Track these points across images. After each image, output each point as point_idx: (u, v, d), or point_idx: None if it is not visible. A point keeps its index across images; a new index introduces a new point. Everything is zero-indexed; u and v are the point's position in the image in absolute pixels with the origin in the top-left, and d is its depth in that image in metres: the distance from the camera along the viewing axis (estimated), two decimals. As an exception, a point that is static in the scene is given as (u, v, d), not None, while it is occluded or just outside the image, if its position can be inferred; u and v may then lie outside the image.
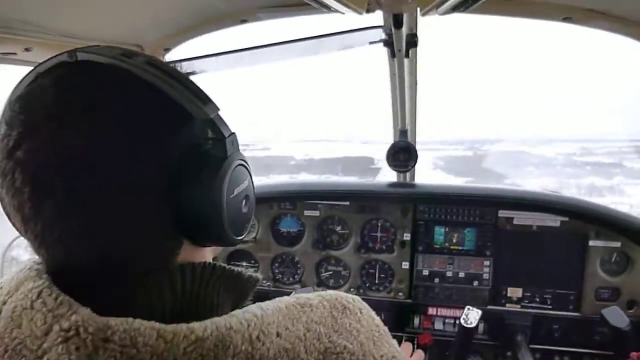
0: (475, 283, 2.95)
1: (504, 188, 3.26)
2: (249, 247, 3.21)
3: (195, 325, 0.75)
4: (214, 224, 0.83)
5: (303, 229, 3.16)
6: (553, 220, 2.84)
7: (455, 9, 1.59)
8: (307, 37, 2.24)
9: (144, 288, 0.79)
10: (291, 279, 3.21)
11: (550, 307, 2.91)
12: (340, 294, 0.97)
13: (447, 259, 2.99)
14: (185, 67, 2.35)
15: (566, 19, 1.89)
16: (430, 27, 2.19)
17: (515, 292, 2.95)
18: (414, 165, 2.95)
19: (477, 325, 2.49)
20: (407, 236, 3.02)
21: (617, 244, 2.78)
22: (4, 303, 0.79)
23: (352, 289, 3.11)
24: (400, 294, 3.06)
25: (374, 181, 3.34)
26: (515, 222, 2.90)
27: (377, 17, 2.12)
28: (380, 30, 2.26)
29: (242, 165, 0.89)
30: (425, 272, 3.01)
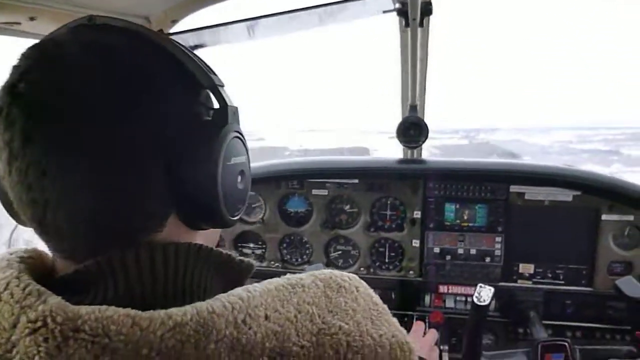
0: (487, 260, 2.92)
1: (516, 162, 3.23)
2: (256, 228, 3.17)
3: (174, 310, 0.71)
4: (207, 191, 0.80)
5: (311, 209, 3.12)
6: (565, 195, 2.81)
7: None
8: (318, 4, 2.18)
9: (123, 262, 0.74)
10: (300, 259, 3.18)
11: (562, 282, 2.89)
12: (335, 272, 0.92)
13: (458, 236, 2.96)
14: (192, 39, 2.30)
15: None
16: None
17: (527, 268, 2.92)
18: (425, 140, 2.90)
19: (490, 303, 2.46)
20: (417, 214, 2.98)
21: (630, 218, 2.75)
22: None
23: (362, 269, 3.08)
24: (411, 272, 3.03)
25: (383, 158, 3.29)
26: (526, 197, 2.86)
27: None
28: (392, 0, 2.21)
29: (241, 139, 0.88)
30: (436, 250, 2.98)
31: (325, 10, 2.20)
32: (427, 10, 2.16)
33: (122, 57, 0.77)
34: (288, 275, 0.87)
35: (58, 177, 0.71)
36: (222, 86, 0.86)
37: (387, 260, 3.09)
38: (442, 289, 2.99)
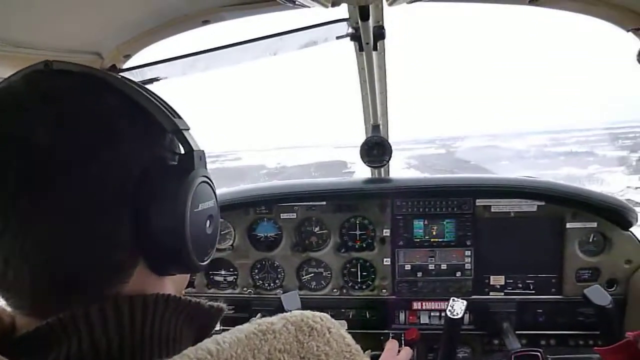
0: (458, 274, 2.95)
1: (480, 177, 3.27)
2: (226, 255, 3.14)
3: None
4: (175, 239, 0.78)
5: (281, 233, 3.11)
6: (529, 206, 2.85)
7: (423, -5, 1.57)
8: (272, 34, 2.20)
9: (87, 317, 0.72)
10: (272, 284, 3.15)
11: (533, 292, 2.92)
12: (306, 313, 0.90)
13: (428, 252, 2.97)
14: (147, 74, 2.28)
15: (532, 2, 1.89)
16: (399, 14, 2.19)
17: (498, 280, 2.95)
18: (389, 159, 2.93)
19: (463, 316, 2.48)
20: (386, 232, 3.00)
21: (594, 225, 2.80)
22: None
23: (334, 290, 3.07)
24: (384, 290, 3.03)
25: (350, 179, 3.31)
26: (493, 209, 2.90)
27: (342, 10, 2.10)
28: (346, 24, 2.24)
29: (208, 183, 0.87)
30: (407, 267, 2.99)
31: (279, 40, 2.22)
32: (380, 34, 2.19)
33: (79, 107, 0.75)
34: (259, 321, 0.85)
35: (18, 233, 0.69)
36: (187, 129, 0.84)
37: (359, 280, 3.08)
38: (416, 305, 3.00)
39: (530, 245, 2.91)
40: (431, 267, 2.97)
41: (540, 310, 2.90)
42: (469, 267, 2.94)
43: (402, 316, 3.02)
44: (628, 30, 1.92)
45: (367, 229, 3.05)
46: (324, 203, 3.03)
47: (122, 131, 0.76)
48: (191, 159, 0.82)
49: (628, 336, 1.87)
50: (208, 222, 0.86)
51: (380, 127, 2.92)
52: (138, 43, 2.18)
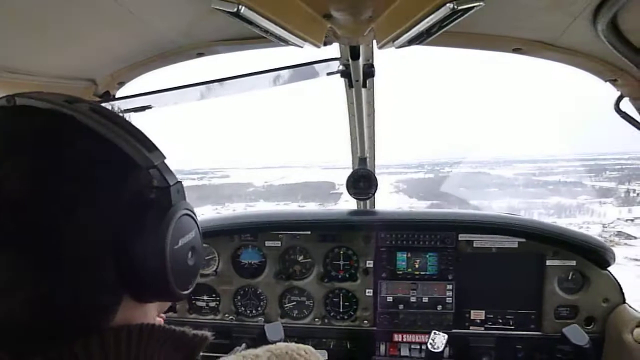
0: (439, 307, 2.97)
1: (463, 212, 3.32)
2: (210, 280, 3.14)
3: None
4: (157, 276, 0.79)
5: (265, 260, 3.13)
6: (511, 242, 2.90)
7: (411, 42, 1.62)
8: (265, 70, 2.24)
9: (72, 352, 0.72)
10: (254, 311, 3.15)
11: (512, 327, 2.95)
12: (291, 346, 0.92)
13: (410, 284, 3.00)
14: (140, 102, 2.31)
15: (516, 50, 1.96)
16: (389, 54, 2.24)
17: (478, 315, 2.98)
18: (374, 192, 2.97)
19: (444, 350, 2.50)
20: (369, 263, 3.02)
21: (573, 263, 2.86)
22: None
23: (316, 319, 3.08)
24: (365, 322, 3.04)
25: (335, 210, 3.34)
26: (475, 245, 2.94)
27: (334, 49, 2.15)
28: (337, 62, 2.30)
29: (188, 215, 0.87)
30: (389, 299, 3.01)
31: (272, 75, 2.26)
32: (369, 72, 2.25)
33: (49, 155, 0.73)
34: (243, 352, 0.86)
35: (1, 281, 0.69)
36: (164, 159, 0.84)
37: (341, 310, 3.10)
38: (397, 337, 3.01)
39: (511, 281, 2.95)
40: (413, 299, 2.99)
41: (519, 346, 2.92)
42: (450, 301, 2.96)
43: (382, 348, 3.03)
44: (606, 81, 2.00)
45: (350, 259, 3.07)
46: (309, 232, 3.05)
47: (95, 177, 0.75)
48: (168, 195, 0.81)
49: None
50: (190, 253, 0.87)
51: (367, 159, 2.97)
52: (132, 72, 2.22)
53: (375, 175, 2.99)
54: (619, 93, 2.02)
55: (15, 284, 0.69)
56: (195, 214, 0.89)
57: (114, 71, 2.18)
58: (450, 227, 2.97)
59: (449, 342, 2.57)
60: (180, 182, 0.85)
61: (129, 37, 1.93)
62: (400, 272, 3.01)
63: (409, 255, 3.01)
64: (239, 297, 3.16)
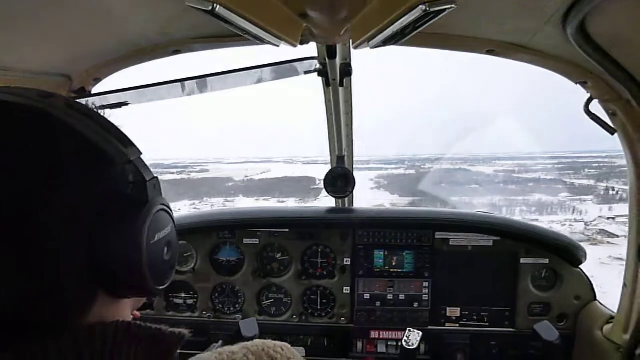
0: (416, 305, 3.01)
1: (440, 210, 3.36)
2: (187, 277, 3.13)
3: None
4: (133, 271, 0.78)
5: (243, 258, 3.12)
6: (486, 240, 2.95)
7: (386, 42, 1.63)
8: (243, 68, 2.25)
9: (44, 350, 0.70)
10: (232, 308, 3.15)
11: (487, 324, 3.00)
12: (267, 343, 0.92)
13: (387, 282, 3.03)
14: (116, 98, 2.29)
15: (490, 52, 2.00)
16: (366, 53, 2.26)
17: (453, 312, 3.02)
18: (352, 191, 2.99)
19: (418, 347, 2.53)
20: (347, 261, 3.04)
21: (546, 261, 2.92)
22: None
23: (294, 316, 3.09)
24: (343, 319, 3.07)
25: (313, 207, 3.35)
26: (451, 243, 2.99)
27: (311, 48, 2.15)
28: (315, 60, 2.30)
29: (164, 210, 0.86)
30: (367, 296, 3.03)
31: (249, 73, 2.26)
32: (346, 71, 2.27)
33: (23, 150, 0.71)
34: (220, 350, 0.86)
35: None
36: (140, 155, 0.83)
37: (319, 308, 3.11)
38: (374, 334, 3.04)
39: (486, 279, 3.00)
40: (390, 297, 3.02)
41: (494, 343, 2.98)
42: (426, 298, 3.00)
43: (359, 345, 3.06)
44: (576, 83, 2.04)
45: (328, 257, 3.09)
46: (287, 230, 3.06)
47: (69, 170, 0.74)
48: (144, 190, 0.81)
49: None
50: (166, 248, 0.86)
51: (345, 158, 2.98)
52: (108, 68, 2.20)
53: (353, 173, 3.01)
54: (588, 95, 2.07)
55: None
56: (171, 210, 0.89)
57: (89, 67, 2.16)
58: (427, 225, 3.01)
59: (424, 339, 2.61)
60: (156, 177, 0.85)
61: (104, 34, 1.92)
62: (378, 270, 3.04)
63: (386, 253, 3.04)
64: (216, 295, 3.16)
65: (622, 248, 2.77)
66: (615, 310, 2.52)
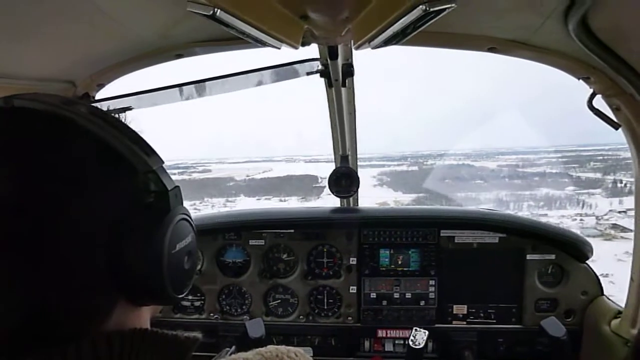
0: (422, 303, 3.01)
1: (444, 208, 3.37)
2: (194, 280, 3.12)
3: None
4: (153, 280, 0.79)
5: (249, 259, 3.13)
6: (492, 237, 2.95)
7: (387, 42, 1.64)
8: (246, 70, 2.26)
9: (64, 356, 0.71)
10: (239, 310, 3.16)
11: (494, 321, 3.00)
12: (281, 349, 0.92)
13: (393, 281, 3.03)
14: (120, 103, 2.30)
15: (491, 49, 1.99)
16: (368, 53, 2.26)
17: (460, 309, 3.02)
18: (356, 190, 2.99)
19: (426, 346, 2.53)
20: (353, 260, 3.05)
21: (552, 257, 2.91)
22: None
23: (301, 317, 3.10)
24: (350, 318, 3.07)
25: (318, 208, 3.35)
26: (456, 240, 2.98)
27: (313, 49, 2.16)
28: (317, 62, 2.31)
29: (185, 219, 0.87)
30: (373, 295, 3.04)
31: (252, 75, 2.27)
32: (348, 72, 2.27)
33: (46, 156, 0.72)
34: (234, 356, 0.86)
35: None
36: (162, 164, 0.83)
37: (325, 308, 3.12)
38: (381, 333, 3.04)
39: (492, 276, 2.99)
40: (396, 295, 3.02)
41: (501, 340, 2.98)
42: (433, 297, 3.00)
43: (367, 344, 3.06)
44: (579, 79, 2.03)
45: (334, 257, 3.09)
46: (292, 231, 3.07)
47: (93, 179, 0.75)
48: (166, 199, 0.82)
49: None
50: (186, 257, 0.87)
51: (349, 157, 2.99)
52: (112, 73, 2.21)
53: (357, 172, 3.01)
54: (591, 90, 2.06)
55: (9, 286, 0.69)
56: (191, 219, 0.90)
57: (93, 73, 2.17)
58: (432, 223, 3.01)
59: (431, 337, 2.61)
60: (178, 186, 0.86)
61: (107, 39, 1.93)
62: (383, 269, 3.04)
63: (392, 251, 3.04)
64: (223, 296, 3.17)
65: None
66: (623, 305, 2.52)
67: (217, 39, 2.03)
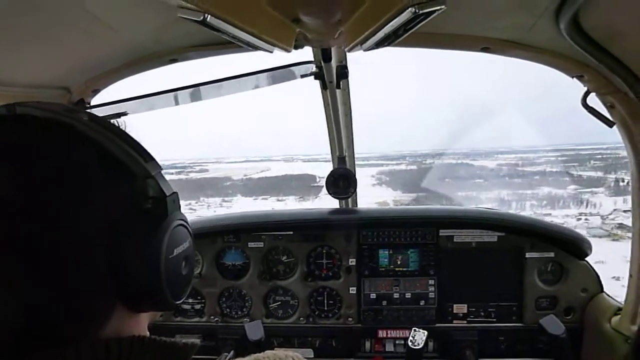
0: (422, 303, 3.01)
1: (443, 208, 3.37)
2: (194, 283, 3.14)
3: None
4: (151, 285, 0.80)
5: (248, 261, 3.14)
6: (490, 236, 2.95)
7: (379, 44, 1.64)
8: (241, 74, 2.26)
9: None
10: (239, 312, 3.16)
11: (494, 320, 3.00)
12: (279, 354, 0.93)
13: (392, 281, 3.03)
14: (115, 109, 2.31)
15: (485, 49, 2.00)
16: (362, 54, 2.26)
17: (460, 309, 3.02)
18: (354, 192, 3.00)
19: (426, 345, 2.53)
20: (352, 261, 3.05)
21: (551, 254, 2.91)
22: None
23: (301, 318, 3.10)
24: (350, 319, 3.07)
25: (317, 209, 3.36)
26: (455, 240, 2.99)
27: (307, 52, 2.16)
28: (312, 64, 2.31)
29: (183, 225, 0.87)
30: (373, 296, 3.04)
31: (246, 79, 2.28)
32: (342, 74, 2.28)
33: (47, 162, 0.74)
34: None
35: None
36: (160, 170, 0.84)
37: (325, 309, 3.12)
38: (381, 333, 3.05)
39: (491, 275, 3.00)
40: (396, 295, 3.02)
41: (502, 338, 2.98)
42: (433, 296, 3.01)
43: (367, 344, 3.07)
44: (572, 77, 2.04)
45: (333, 258, 3.10)
46: (291, 233, 3.07)
47: (92, 185, 0.76)
48: (164, 205, 0.82)
49: None
50: (184, 262, 0.88)
51: (347, 158, 2.99)
52: (106, 79, 2.22)
53: (355, 173, 3.02)
54: (585, 88, 2.06)
55: (10, 287, 0.70)
56: (189, 225, 0.90)
57: (87, 79, 2.18)
58: (431, 223, 3.01)
59: (432, 337, 2.62)
60: (176, 192, 0.86)
61: (100, 45, 1.93)
62: (383, 269, 3.05)
63: (391, 252, 3.04)
64: (223, 299, 3.18)
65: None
66: (623, 302, 2.52)
67: (211, 44, 2.04)
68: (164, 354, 0.83)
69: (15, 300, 0.70)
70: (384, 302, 3.03)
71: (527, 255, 2.93)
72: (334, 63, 2.17)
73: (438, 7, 1.20)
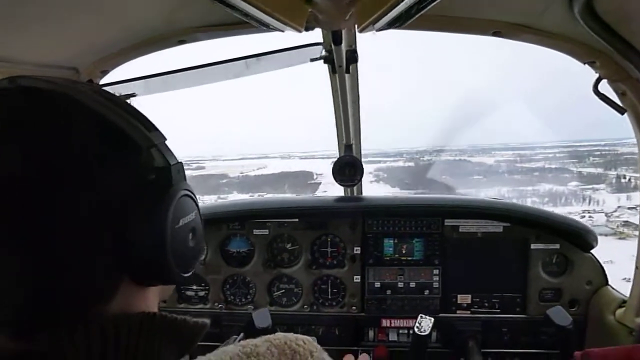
0: (426, 292, 3.00)
1: (449, 197, 3.36)
2: (198, 269, 3.13)
3: None
4: (157, 256, 0.78)
5: (253, 249, 3.13)
6: (496, 227, 2.94)
7: (391, 24, 1.63)
8: (247, 55, 2.25)
9: (71, 338, 0.70)
10: (243, 299, 3.16)
11: (498, 310, 2.99)
12: (289, 336, 0.91)
13: (397, 270, 3.03)
14: (123, 90, 2.29)
15: (496, 33, 1.98)
16: (371, 40, 2.25)
17: (464, 299, 3.02)
18: (360, 179, 2.99)
19: (431, 333, 2.53)
20: (357, 250, 3.04)
21: (556, 246, 2.90)
22: None
23: (305, 306, 3.10)
24: (354, 308, 3.07)
25: (322, 197, 3.36)
26: (460, 230, 2.98)
27: (316, 35, 2.15)
28: (320, 47, 2.30)
29: (189, 196, 0.86)
30: (377, 285, 3.04)
31: (255, 60, 2.26)
32: (352, 57, 2.26)
33: (51, 133, 0.72)
34: (243, 342, 0.86)
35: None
36: (164, 140, 0.84)
37: (329, 297, 3.12)
38: (385, 322, 3.05)
39: (496, 265, 2.99)
40: (400, 285, 3.02)
41: (505, 329, 2.97)
42: (437, 286, 3.00)
43: (371, 333, 3.06)
44: (584, 63, 2.02)
45: (338, 246, 3.09)
46: (296, 220, 3.07)
47: (96, 155, 0.74)
48: (168, 175, 0.81)
49: (575, 356, 1.96)
50: (190, 234, 0.86)
51: (353, 146, 2.98)
52: (115, 59, 2.21)
53: (362, 161, 3.01)
54: (597, 75, 2.05)
55: (11, 264, 0.68)
56: (195, 196, 0.89)
57: (96, 59, 2.16)
58: (436, 212, 3.01)
59: (435, 327, 2.61)
60: (180, 162, 0.85)
61: (110, 25, 1.92)
62: (387, 258, 3.04)
63: (396, 241, 3.04)
64: (227, 286, 3.17)
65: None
66: (628, 295, 2.52)
67: (220, 24, 2.03)
68: (175, 331, 0.82)
69: (20, 276, 0.69)
70: (388, 292, 3.03)
71: (532, 246, 2.93)
72: (344, 47, 2.15)
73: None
